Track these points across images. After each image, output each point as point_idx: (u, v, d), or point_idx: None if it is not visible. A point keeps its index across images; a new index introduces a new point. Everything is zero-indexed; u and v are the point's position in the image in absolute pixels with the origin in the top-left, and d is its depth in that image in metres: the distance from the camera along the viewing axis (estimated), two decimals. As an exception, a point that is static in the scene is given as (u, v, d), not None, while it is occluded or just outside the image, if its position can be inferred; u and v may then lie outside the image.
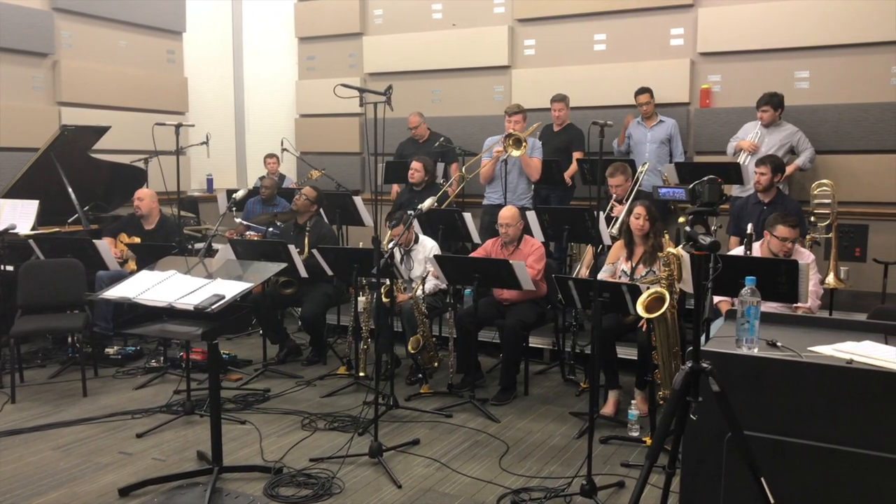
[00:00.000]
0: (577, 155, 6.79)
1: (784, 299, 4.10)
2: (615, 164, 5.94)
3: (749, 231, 4.63)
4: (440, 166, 7.18)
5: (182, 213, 6.67)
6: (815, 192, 5.78)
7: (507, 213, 5.28)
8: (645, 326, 4.30)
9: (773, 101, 6.18)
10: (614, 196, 5.84)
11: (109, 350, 5.90)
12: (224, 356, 5.67)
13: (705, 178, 2.54)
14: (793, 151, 6.23)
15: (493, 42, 7.84)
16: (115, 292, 3.67)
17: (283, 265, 4.13)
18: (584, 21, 7.43)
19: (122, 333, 6.16)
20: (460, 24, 8.04)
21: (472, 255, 5.49)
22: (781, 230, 4.39)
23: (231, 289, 3.50)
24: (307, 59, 9.07)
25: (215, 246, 6.51)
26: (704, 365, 2.48)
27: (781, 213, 4.69)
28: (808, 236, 5.59)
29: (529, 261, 5.09)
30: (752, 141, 6.21)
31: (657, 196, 4.20)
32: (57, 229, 6.28)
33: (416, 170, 6.60)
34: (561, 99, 6.90)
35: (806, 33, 6.49)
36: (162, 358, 5.82)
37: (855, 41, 6.33)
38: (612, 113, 6.83)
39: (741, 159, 6.14)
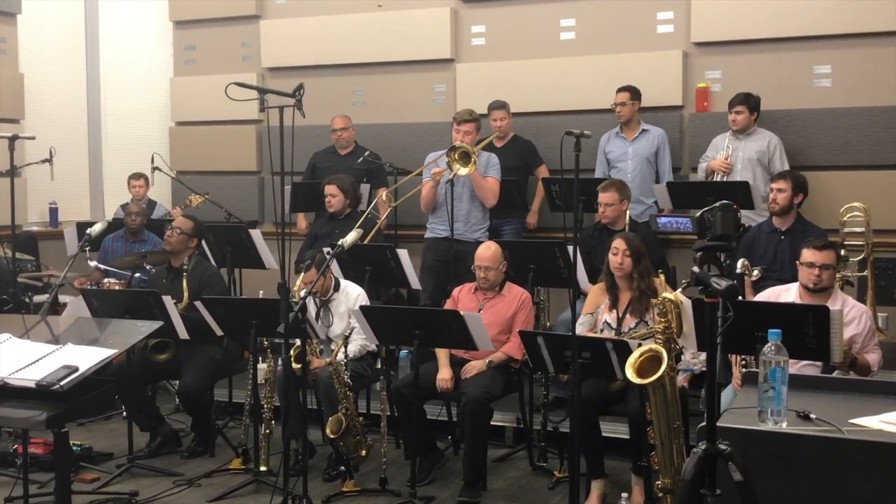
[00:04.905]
0: (541, 173, 6.88)
1: (812, 356, 4.18)
2: (611, 179, 6.05)
3: (739, 269, 4.73)
4: (365, 188, 7.13)
5: (17, 254, 6.49)
6: (845, 219, 5.93)
7: (486, 253, 5.32)
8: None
9: (750, 102, 6.41)
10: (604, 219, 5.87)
11: (-88, 445, 5.69)
12: (75, 449, 5.51)
13: (717, 204, 2.58)
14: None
15: (431, 29, 7.92)
16: (-77, 365, 3.54)
17: (158, 324, 4.06)
18: (547, 3, 7.57)
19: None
20: (388, 6, 8.11)
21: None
22: (805, 254, 4.56)
23: (86, 357, 3.47)
24: (185, 49, 9.00)
25: (62, 299, 6.38)
26: (722, 446, 2.49)
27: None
28: (837, 275, 5.72)
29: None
30: (723, 158, 6.39)
31: (655, 227, 4.25)
32: None
33: (331, 195, 6.54)
34: (501, 106, 7.00)
35: (828, 19, 6.70)
36: (-12, 453, 5.62)
37: (890, 28, 6.53)
38: (585, 120, 6.96)
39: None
